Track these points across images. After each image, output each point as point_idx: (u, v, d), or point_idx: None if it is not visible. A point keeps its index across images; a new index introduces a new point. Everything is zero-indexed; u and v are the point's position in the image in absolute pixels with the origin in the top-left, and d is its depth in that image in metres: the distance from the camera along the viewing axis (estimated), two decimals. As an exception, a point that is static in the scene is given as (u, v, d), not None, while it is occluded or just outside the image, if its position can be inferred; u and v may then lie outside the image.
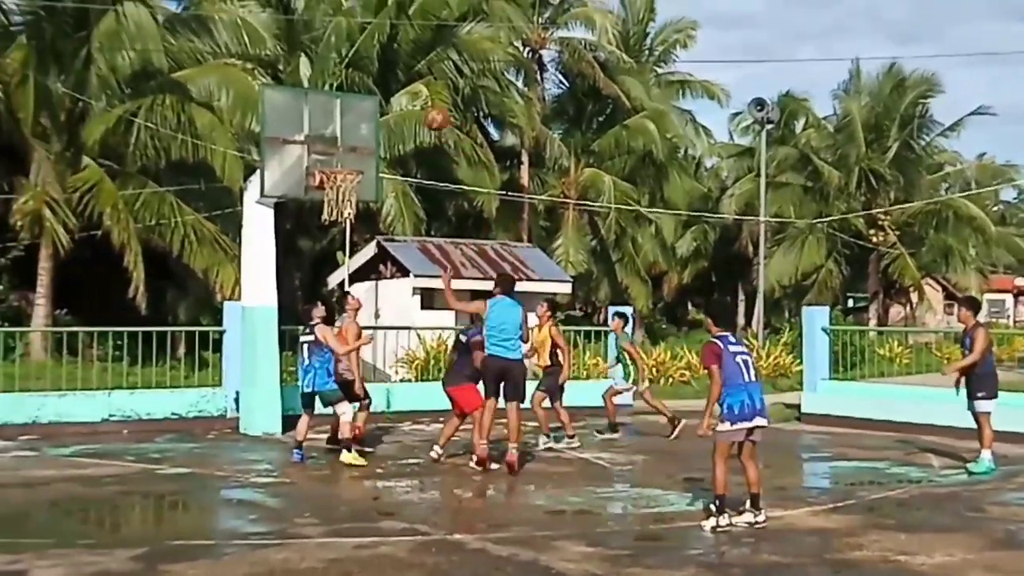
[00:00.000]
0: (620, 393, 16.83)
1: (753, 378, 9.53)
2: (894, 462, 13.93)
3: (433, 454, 13.31)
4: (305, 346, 13.20)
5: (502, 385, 12.56)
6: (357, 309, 14.62)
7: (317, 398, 13.22)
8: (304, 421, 13.24)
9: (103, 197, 23.69)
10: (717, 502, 9.49)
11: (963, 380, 13.08)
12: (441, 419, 17.49)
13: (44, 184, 24.20)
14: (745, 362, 9.53)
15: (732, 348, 9.54)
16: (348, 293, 16.56)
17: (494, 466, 12.61)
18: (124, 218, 23.70)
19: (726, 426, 9.46)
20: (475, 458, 12.75)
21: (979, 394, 12.95)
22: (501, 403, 12.71)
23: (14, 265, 25.87)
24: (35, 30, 24.46)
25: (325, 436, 14.33)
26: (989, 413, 12.99)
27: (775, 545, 9.03)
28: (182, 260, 24.53)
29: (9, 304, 26.19)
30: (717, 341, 9.56)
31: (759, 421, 9.55)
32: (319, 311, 13.23)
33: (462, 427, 13.63)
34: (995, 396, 13.01)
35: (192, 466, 13.03)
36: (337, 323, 14.06)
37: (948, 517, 10.44)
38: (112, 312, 21.75)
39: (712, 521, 9.46)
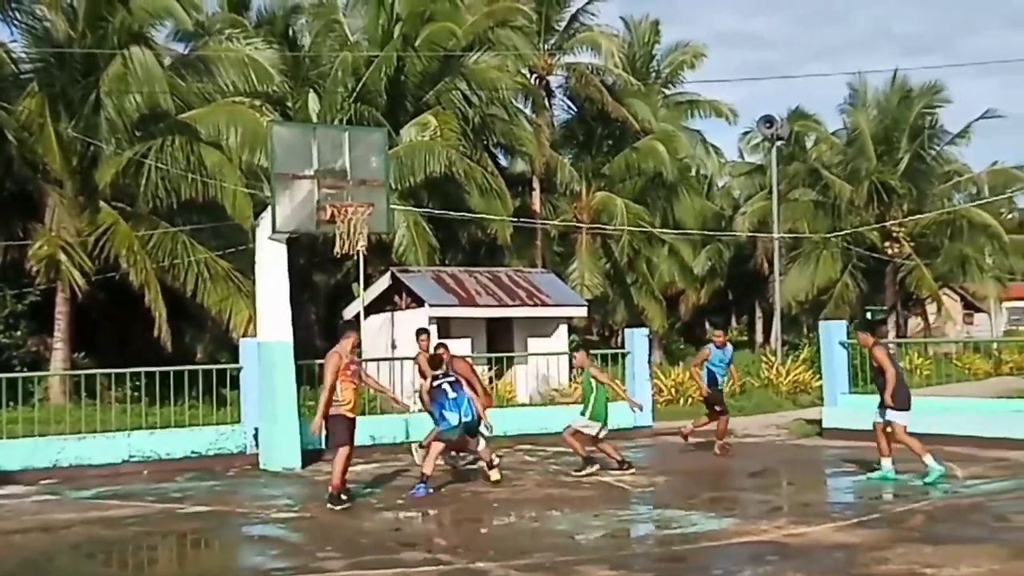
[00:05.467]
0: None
1: None
2: (917, 474, 13.82)
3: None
4: (447, 385, 13.57)
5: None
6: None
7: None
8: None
9: (118, 239, 23.78)
10: None
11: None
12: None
13: (59, 228, 24.30)
14: None
15: None
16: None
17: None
18: (140, 259, 23.78)
19: None
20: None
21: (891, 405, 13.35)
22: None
23: (32, 310, 25.92)
24: (45, 77, 24.62)
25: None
26: (904, 425, 13.41)
27: (800, 562, 8.96)
28: (197, 299, 24.59)
29: (28, 349, 26.23)
30: None
31: None
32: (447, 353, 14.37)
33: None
34: (907, 408, 13.47)
35: (213, 504, 13.02)
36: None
37: (974, 528, 10.36)
38: (130, 354, 21.78)
39: None
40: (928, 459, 13.11)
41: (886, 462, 13.49)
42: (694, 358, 16.20)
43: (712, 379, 16.63)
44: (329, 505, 12.11)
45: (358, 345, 13.61)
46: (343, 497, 12.25)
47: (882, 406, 13.41)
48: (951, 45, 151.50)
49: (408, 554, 9.72)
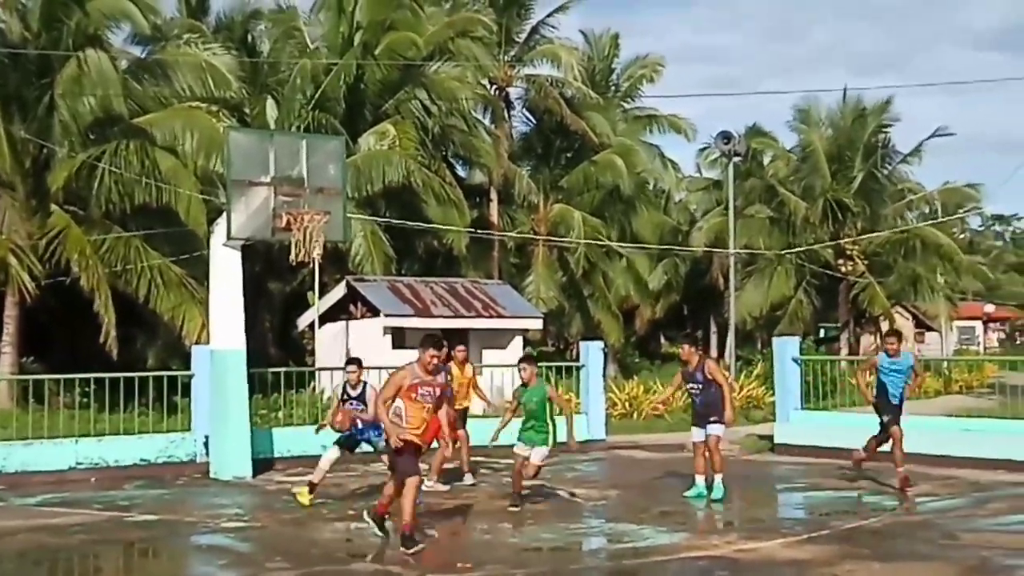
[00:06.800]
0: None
1: None
2: (868, 491, 13.92)
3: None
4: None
5: None
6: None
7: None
8: None
9: (70, 243, 23.51)
10: None
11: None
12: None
13: (9, 231, 24.00)
14: None
15: None
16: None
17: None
18: (92, 264, 23.52)
19: None
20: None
21: (712, 419, 13.12)
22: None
23: (-21, 314, 25.59)
24: (-1, 77, 24.37)
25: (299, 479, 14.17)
26: (720, 437, 13.32)
27: (751, 577, 8.98)
28: (149, 305, 24.35)
29: (-26, 353, 25.88)
30: None
31: None
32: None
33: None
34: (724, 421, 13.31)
35: (161, 513, 12.86)
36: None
37: (922, 545, 10.43)
38: (80, 359, 21.52)
39: None
40: (719, 480, 13.16)
41: (701, 479, 13.27)
42: (862, 363, 14.25)
43: (882, 389, 14.30)
44: (403, 549, 10.03)
45: (444, 361, 11.56)
46: (417, 538, 10.24)
47: (711, 421, 13.05)
48: (902, 65, 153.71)
49: (358, 565, 9.66)
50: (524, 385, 12.82)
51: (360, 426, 13.17)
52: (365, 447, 13.56)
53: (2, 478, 15.22)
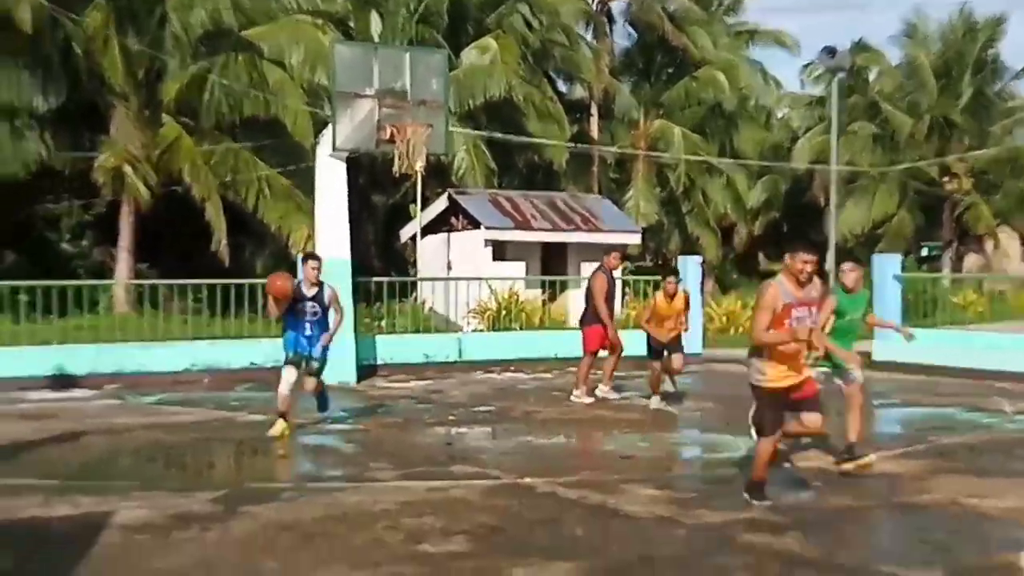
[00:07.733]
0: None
1: None
2: (965, 408, 13.89)
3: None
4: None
5: None
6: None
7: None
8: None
9: (181, 153, 24.11)
10: None
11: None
12: (512, 368, 17.85)
13: (124, 141, 24.65)
14: None
15: None
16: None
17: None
18: (203, 174, 24.12)
19: None
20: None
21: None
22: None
23: (97, 221, 26.48)
24: (113, -10, 24.83)
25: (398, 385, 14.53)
26: None
27: (843, 488, 9.11)
28: (257, 215, 24.93)
29: (93, 259, 26.80)
30: None
31: None
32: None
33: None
34: None
35: (270, 414, 13.21)
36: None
37: (1020, 462, 10.43)
38: (192, 266, 22.21)
39: None
40: None
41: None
42: None
43: None
44: (746, 495, 8.55)
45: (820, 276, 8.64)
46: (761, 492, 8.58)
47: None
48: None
49: (458, 467, 9.96)
50: (849, 291, 10.20)
51: (308, 333, 11.81)
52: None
53: (120, 378, 15.95)
